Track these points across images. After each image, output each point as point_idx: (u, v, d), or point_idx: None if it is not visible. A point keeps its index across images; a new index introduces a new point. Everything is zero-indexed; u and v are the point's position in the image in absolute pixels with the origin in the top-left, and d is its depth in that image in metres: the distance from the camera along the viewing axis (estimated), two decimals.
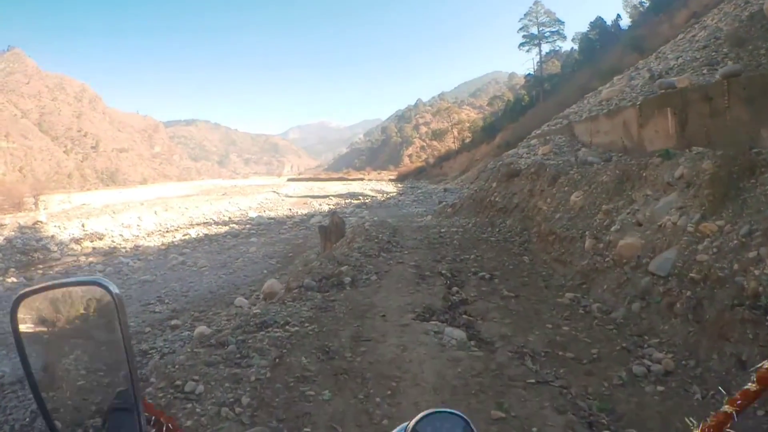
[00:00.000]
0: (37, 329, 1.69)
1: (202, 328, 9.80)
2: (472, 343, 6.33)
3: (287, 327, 6.77)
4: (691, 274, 6.59)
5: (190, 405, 4.85)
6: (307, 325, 6.89)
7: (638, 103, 16.79)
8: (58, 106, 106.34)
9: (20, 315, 1.55)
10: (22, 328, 1.57)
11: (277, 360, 5.75)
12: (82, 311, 1.71)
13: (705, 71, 16.50)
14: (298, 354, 5.92)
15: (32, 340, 1.63)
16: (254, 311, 7.82)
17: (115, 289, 1.55)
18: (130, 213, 39.60)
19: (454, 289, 8.89)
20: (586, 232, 9.72)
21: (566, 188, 12.31)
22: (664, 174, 8.75)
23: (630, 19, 62.97)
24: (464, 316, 7.48)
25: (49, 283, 1.70)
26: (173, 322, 13.02)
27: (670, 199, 8.21)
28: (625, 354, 6.14)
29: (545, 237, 11.46)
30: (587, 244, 9.34)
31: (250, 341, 6.27)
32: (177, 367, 5.68)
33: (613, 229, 8.92)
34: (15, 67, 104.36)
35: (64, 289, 1.72)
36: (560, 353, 6.15)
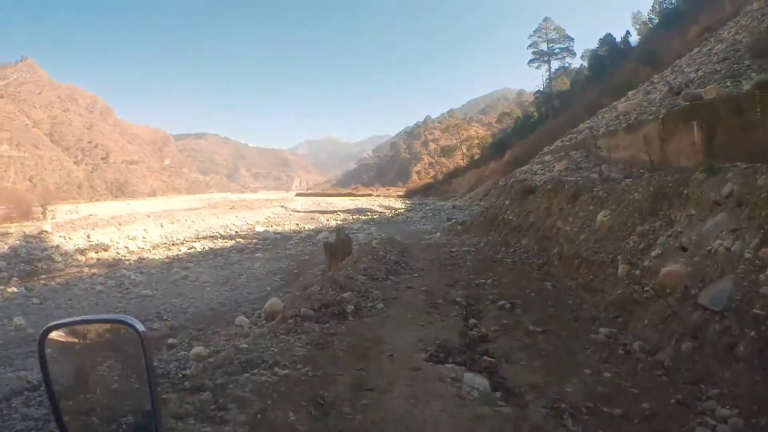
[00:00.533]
0: (64, 359, 1.98)
1: (198, 349, 9.40)
2: (498, 394, 5.22)
3: (276, 369, 5.66)
4: (753, 310, 5.47)
5: None
6: (299, 366, 5.77)
7: (660, 116, 15.75)
8: (70, 117, 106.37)
9: (47, 346, 1.83)
10: (49, 357, 1.81)
11: (259, 416, 4.66)
12: (109, 347, 2.04)
13: (728, 83, 15.60)
14: (286, 407, 4.81)
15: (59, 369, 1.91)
16: (241, 345, 6.72)
17: (141, 328, 1.77)
18: (137, 225, 39.18)
19: (472, 321, 7.80)
20: (618, 257, 8.61)
21: (590, 207, 11.30)
22: (710, 191, 7.63)
23: (639, 36, 62.35)
24: (485, 357, 6.33)
25: (78, 318, 2.21)
26: (170, 340, 12.29)
27: (718, 220, 7.08)
28: (682, 410, 4.99)
29: (569, 260, 10.40)
30: (621, 271, 8.22)
31: (230, 386, 5.21)
32: (161, 423, 4.65)
33: (653, 254, 7.79)
34: (27, 77, 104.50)
35: (93, 324, 2.09)
36: (605, 409, 5.01)
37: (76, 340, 2.03)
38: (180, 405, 4.89)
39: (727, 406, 4.93)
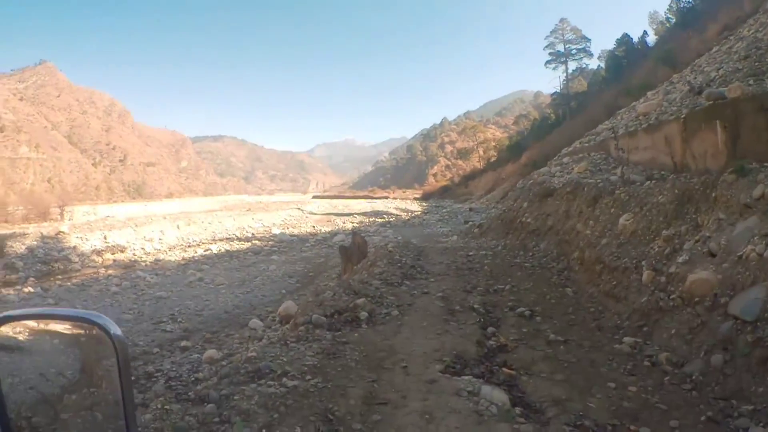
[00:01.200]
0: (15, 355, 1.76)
1: (211, 352, 9.45)
2: (518, 410, 4.91)
3: (285, 379, 5.39)
4: None
5: None
6: (309, 377, 5.49)
7: (682, 116, 15.37)
8: (88, 120, 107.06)
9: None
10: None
11: (263, 431, 4.42)
12: (76, 348, 1.84)
13: (751, 82, 15.19)
14: (293, 422, 4.55)
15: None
16: (250, 353, 6.48)
17: (115, 330, 1.51)
18: (153, 226, 39.25)
19: (490, 329, 7.49)
20: (643, 262, 8.26)
21: (612, 210, 10.96)
22: (740, 194, 7.28)
23: (656, 35, 61.81)
24: (504, 369, 6.02)
25: (38, 310, 2.41)
26: (183, 343, 12.34)
27: (749, 224, 6.74)
28: (713, 427, 4.71)
29: (590, 266, 10.07)
30: (645, 277, 7.88)
31: (236, 398, 4.95)
32: (140, 430, 4.49)
33: (680, 260, 7.44)
34: (46, 80, 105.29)
35: (57, 320, 1.75)
36: (631, 427, 4.71)
37: (39, 338, 1.88)
38: (182, 417, 4.67)
39: (761, 424, 4.65)
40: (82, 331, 1.77)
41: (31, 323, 1.76)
